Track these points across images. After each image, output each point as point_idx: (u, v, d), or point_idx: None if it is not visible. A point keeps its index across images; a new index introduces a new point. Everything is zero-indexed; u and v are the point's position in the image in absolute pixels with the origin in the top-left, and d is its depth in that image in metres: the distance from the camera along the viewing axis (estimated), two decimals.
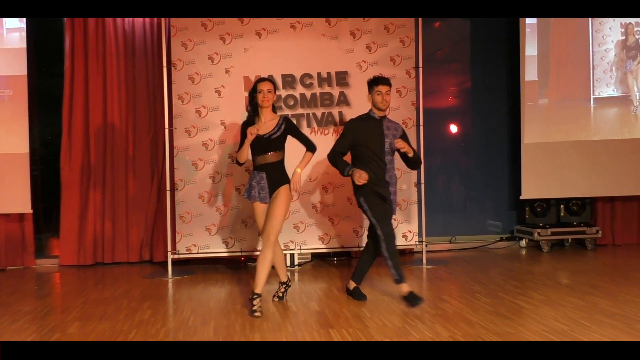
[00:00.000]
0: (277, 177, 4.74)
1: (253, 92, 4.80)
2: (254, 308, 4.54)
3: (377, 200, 4.80)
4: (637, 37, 7.17)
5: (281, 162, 4.78)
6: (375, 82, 4.89)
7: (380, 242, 4.73)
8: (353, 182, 4.81)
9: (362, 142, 4.85)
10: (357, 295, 5.05)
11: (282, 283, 5.09)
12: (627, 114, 7.17)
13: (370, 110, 4.96)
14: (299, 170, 4.74)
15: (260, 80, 4.82)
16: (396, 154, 4.96)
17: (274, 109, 4.90)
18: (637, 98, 7.16)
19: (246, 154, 4.76)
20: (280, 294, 5.06)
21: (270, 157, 4.73)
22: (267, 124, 4.76)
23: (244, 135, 4.74)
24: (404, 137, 4.97)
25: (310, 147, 4.82)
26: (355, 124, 4.94)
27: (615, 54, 7.15)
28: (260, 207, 4.81)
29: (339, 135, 5.14)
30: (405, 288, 4.75)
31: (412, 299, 4.67)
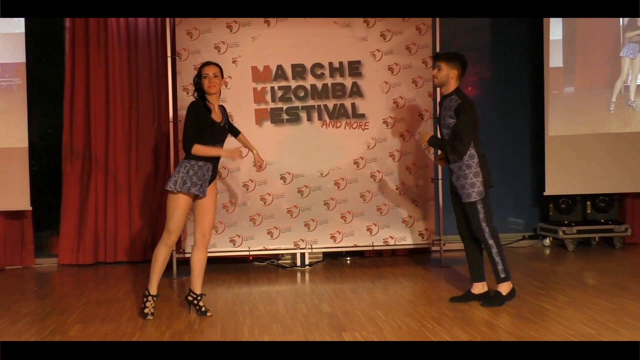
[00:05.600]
0: (217, 169, 4.55)
1: (197, 78, 4.47)
2: (204, 310, 4.54)
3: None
4: None
5: None
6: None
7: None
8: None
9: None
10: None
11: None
12: None
13: None
14: (255, 150, 4.71)
15: (205, 64, 4.49)
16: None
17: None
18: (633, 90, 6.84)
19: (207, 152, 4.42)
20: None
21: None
22: (217, 112, 4.51)
23: (197, 117, 4.36)
24: (457, 111, 4.67)
25: (239, 130, 4.82)
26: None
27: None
28: (201, 201, 4.51)
29: None
30: (505, 287, 4.63)
31: (502, 298, 4.59)
